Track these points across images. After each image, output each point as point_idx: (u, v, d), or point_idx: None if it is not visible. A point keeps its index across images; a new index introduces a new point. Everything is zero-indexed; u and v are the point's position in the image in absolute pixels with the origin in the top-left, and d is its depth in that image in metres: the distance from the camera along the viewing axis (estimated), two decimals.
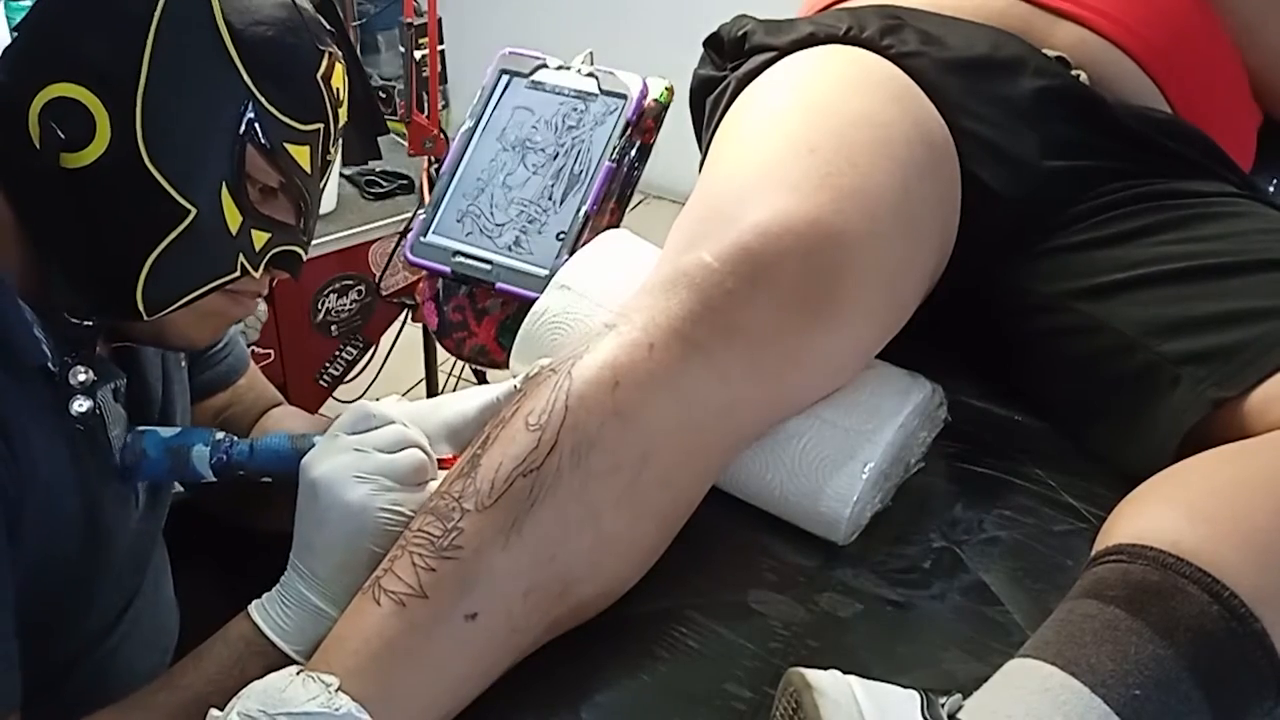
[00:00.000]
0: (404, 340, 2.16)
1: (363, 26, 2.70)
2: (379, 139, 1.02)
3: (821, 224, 0.74)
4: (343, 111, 0.81)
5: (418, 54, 1.82)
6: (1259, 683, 0.63)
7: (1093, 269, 0.88)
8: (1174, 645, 0.61)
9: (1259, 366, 0.76)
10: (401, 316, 2.10)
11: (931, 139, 0.88)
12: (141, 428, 0.81)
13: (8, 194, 0.72)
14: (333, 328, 1.98)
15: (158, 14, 0.70)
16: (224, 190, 0.74)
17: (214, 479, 0.82)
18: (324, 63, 0.78)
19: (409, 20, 1.82)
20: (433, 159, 1.79)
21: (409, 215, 1.88)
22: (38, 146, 0.70)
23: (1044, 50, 0.95)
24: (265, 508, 0.91)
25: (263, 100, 0.74)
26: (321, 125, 0.78)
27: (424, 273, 1.13)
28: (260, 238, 0.78)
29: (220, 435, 0.82)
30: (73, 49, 0.70)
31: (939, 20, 0.97)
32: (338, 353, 2.04)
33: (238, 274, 0.78)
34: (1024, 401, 0.95)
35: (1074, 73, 0.95)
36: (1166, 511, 0.68)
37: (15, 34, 0.72)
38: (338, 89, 0.80)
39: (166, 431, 0.82)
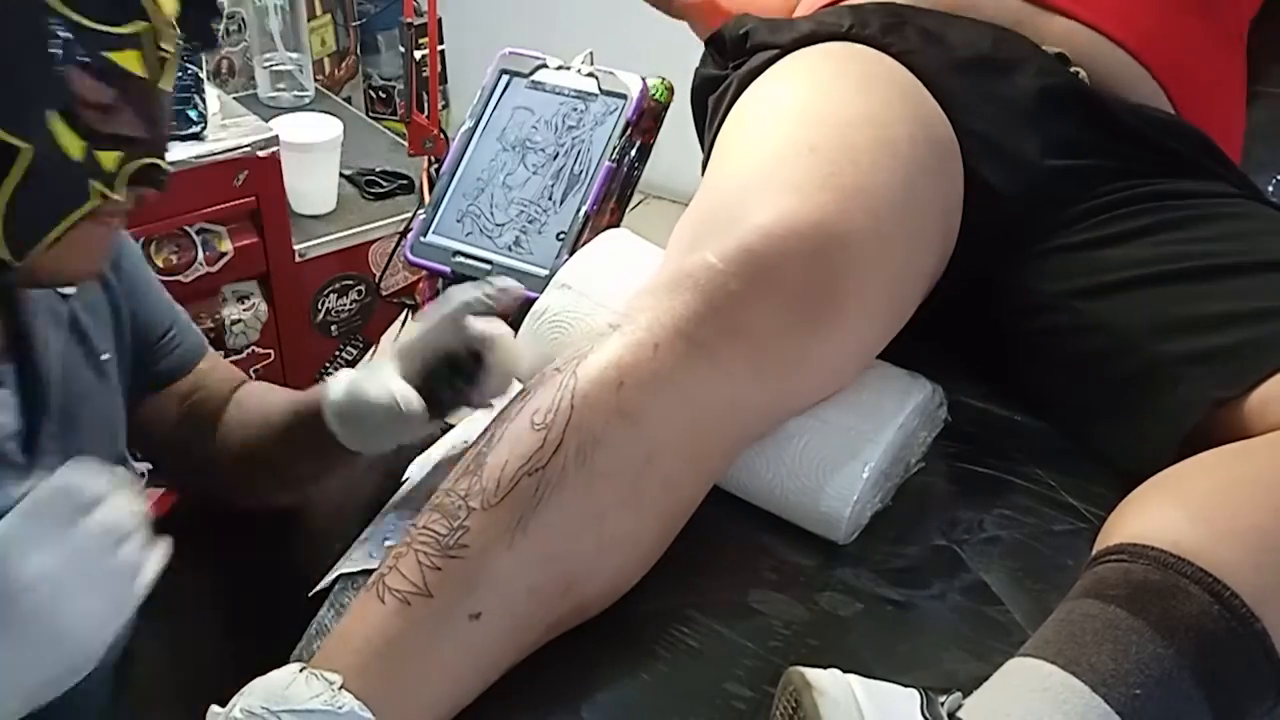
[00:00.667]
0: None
1: (363, 26, 2.69)
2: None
3: (825, 225, 0.74)
4: (165, 2, 0.73)
5: (418, 54, 1.82)
6: (1259, 682, 0.63)
7: (1093, 269, 0.88)
8: (1175, 645, 0.61)
9: (1259, 367, 0.76)
10: (401, 316, 2.10)
11: (935, 137, 0.88)
12: None
13: None
14: (333, 328, 1.98)
15: None
16: (56, 120, 0.69)
17: None
18: None
19: (409, 20, 1.82)
20: (433, 159, 1.79)
21: (409, 215, 1.88)
22: None
23: (1043, 47, 0.95)
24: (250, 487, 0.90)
25: (68, 12, 0.68)
26: (144, 23, 0.71)
27: (424, 273, 1.13)
28: (110, 158, 0.72)
29: None
30: None
31: (940, 18, 0.97)
32: (338, 353, 2.04)
33: (96, 201, 0.72)
34: (1024, 401, 0.95)
35: (1073, 70, 0.95)
36: (1167, 511, 0.69)
37: None
38: None
39: None
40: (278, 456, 0.91)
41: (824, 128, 0.83)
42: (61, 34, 0.67)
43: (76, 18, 0.67)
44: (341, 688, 0.62)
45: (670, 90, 1.09)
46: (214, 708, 0.64)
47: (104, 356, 0.88)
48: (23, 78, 0.67)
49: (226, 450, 0.95)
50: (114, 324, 0.88)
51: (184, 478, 0.96)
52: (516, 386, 0.78)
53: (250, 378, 1.03)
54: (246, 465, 0.92)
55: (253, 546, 0.87)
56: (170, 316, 0.95)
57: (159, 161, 0.76)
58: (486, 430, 0.72)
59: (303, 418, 0.88)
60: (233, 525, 1.00)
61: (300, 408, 0.89)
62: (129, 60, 0.70)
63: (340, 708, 0.61)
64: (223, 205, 1.70)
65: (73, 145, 0.69)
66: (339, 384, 0.84)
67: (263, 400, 0.98)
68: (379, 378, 0.81)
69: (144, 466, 0.99)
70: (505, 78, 1.11)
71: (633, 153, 1.07)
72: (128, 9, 0.70)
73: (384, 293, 1.96)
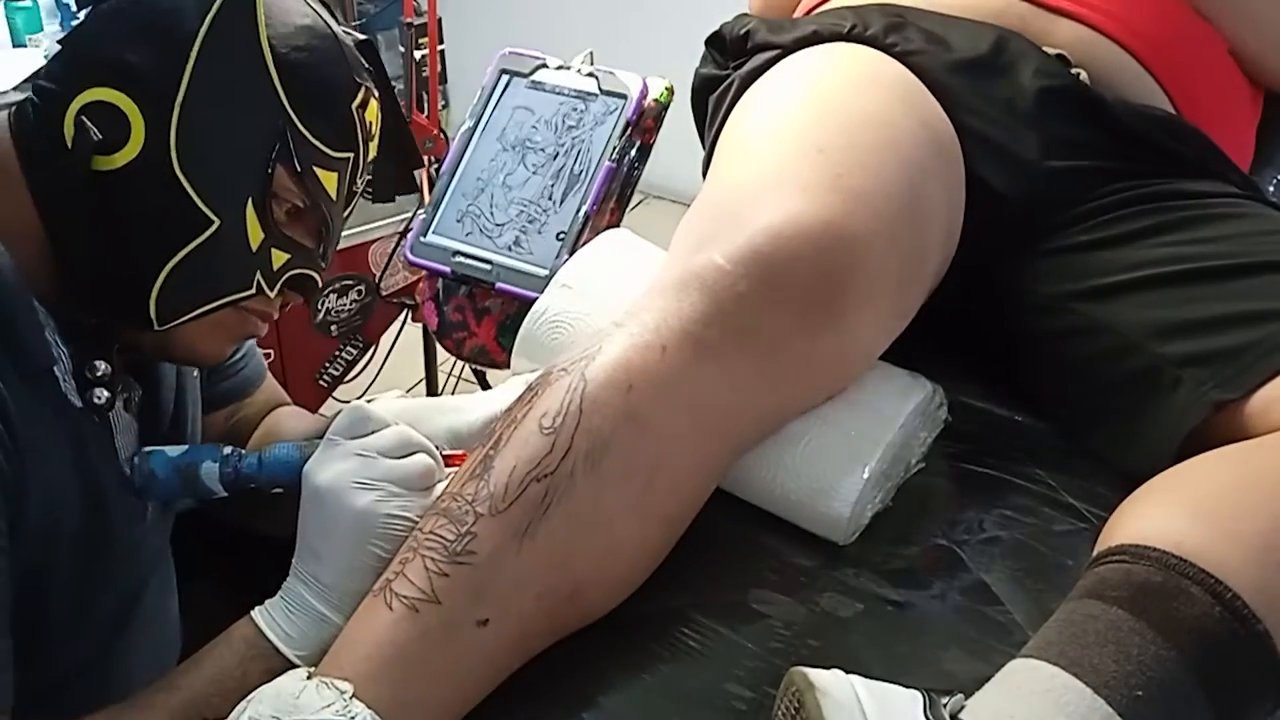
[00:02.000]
0: (404, 340, 2.16)
1: (363, 26, 2.70)
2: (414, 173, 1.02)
3: (833, 226, 0.74)
4: (373, 146, 0.83)
5: (418, 54, 1.82)
6: (1261, 684, 0.63)
7: (1094, 270, 0.88)
8: (1176, 646, 0.61)
9: (1260, 369, 0.76)
10: (401, 316, 2.10)
11: (938, 138, 0.88)
12: (148, 449, 0.80)
13: (34, 194, 0.73)
14: (333, 328, 1.98)
15: (204, 29, 0.72)
16: (249, 206, 0.75)
17: (225, 494, 0.81)
18: (360, 94, 0.79)
19: (409, 20, 1.82)
20: (433, 159, 1.79)
21: (409, 215, 1.88)
22: (69, 147, 0.70)
23: (1044, 48, 0.95)
24: (271, 510, 0.91)
25: (297, 123, 0.75)
26: (351, 155, 0.80)
27: (424, 273, 1.13)
28: (280, 258, 0.78)
29: (228, 450, 0.81)
30: (117, 57, 0.71)
31: (941, 19, 0.97)
32: (338, 353, 2.04)
33: (253, 291, 0.78)
34: (1024, 402, 0.95)
35: (1074, 71, 0.95)
36: (1169, 512, 0.68)
37: (61, 44, 0.74)
38: (370, 123, 0.82)
39: (173, 451, 0.81)
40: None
41: (830, 129, 0.83)
42: (288, 137, 0.75)
43: (304, 131, 0.76)
44: (353, 696, 0.62)
45: (670, 90, 1.09)
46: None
47: (194, 373, 0.92)
48: (240, 162, 0.75)
49: None
50: None
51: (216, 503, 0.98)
52: (517, 386, 0.78)
53: (287, 400, 1.04)
54: (272, 499, 0.93)
55: (261, 559, 0.87)
56: None
57: (315, 275, 0.83)
58: (493, 432, 0.72)
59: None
60: (240, 532, 1.00)
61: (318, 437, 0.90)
62: (329, 180, 0.79)
63: (354, 717, 0.61)
64: None
65: (255, 234, 0.76)
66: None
67: (288, 427, 0.99)
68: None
69: None
70: (505, 78, 1.11)
71: (633, 153, 1.07)
72: (347, 141, 0.79)
73: (384, 293, 1.96)
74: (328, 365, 2.03)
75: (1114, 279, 0.86)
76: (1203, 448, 0.75)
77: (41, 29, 2.73)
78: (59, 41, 0.74)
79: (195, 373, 0.92)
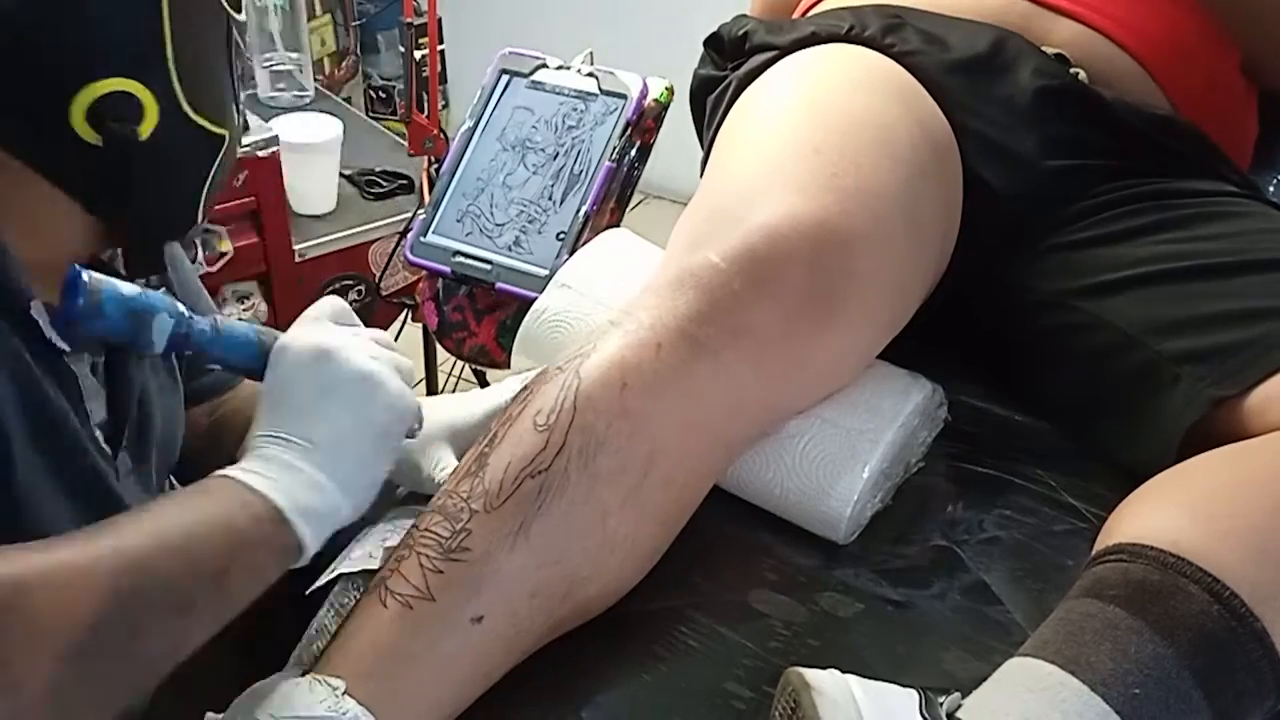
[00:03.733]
0: (404, 340, 2.16)
1: (363, 26, 2.70)
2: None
3: (828, 225, 0.74)
4: None
5: (418, 54, 1.82)
6: (1259, 682, 0.63)
7: (1093, 267, 0.88)
8: (1174, 644, 0.61)
9: (1259, 366, 0.76)
10: (401, 316, 2.10)
11: (935, 139, 0.89)
12: (102, 278, 0.72)
13: (66, 189, 0.72)
14: None
15: None
16: (234, 107, 0.79)
17: (161, 352, 0.75)
18: None
19: (409, 20, 1.82)
20: (433, 159, 1.79)
21: (409, 215, 1.88)
22: (101, 146, 0.70)
23: (1043, 48, 0.95)
24: None
25: (230, 11, 0.77)
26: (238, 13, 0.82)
27: (424, 273, 1.13)
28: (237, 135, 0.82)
29: (184, 310, 0.75)
30: (100, 46, 0.70)
31: (939, 19, 0.97)
32: None
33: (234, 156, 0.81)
34: (1024, 401, 0.95)
35: (1073, 71, 0.95)
36: (1167, 511, 0.69)
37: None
38: None
39: (128, 289, 0.73)
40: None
41: (827, 129, 0.83)
42: (233, 32, 0.77)
43: (230, 10, 0.77)
44: (345, 693, 0.62)
45: (670, 90, 1.09)
46: (210, 715, 0.63)
47: (174, 366, 0.90)
48: (224, 76, 0.77)
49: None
50: None
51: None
52: (516, 384, 0.78)
53: None
54: None
55: None
56: None
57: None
58: (489, 430, 0.72)
59: None
60: None
61: None
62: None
63: (345, 714, 0.61)
64: (223, 205, 1.69)
65: (236, 121, 0.79)
66: None
67: None
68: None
69: None
70: (505, 78, 1.11)
71: (633, 153, 1.07)
72: None
73: (384, 293, 1.96)
74: None
75: (1113, 276, 0.86)
76: (1202, 444, 0.75)
77: None
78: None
79: (174, 366, 0.90)
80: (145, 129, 0.72)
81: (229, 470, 0.65)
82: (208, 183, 0.78)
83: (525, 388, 0.74)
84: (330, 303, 0.76)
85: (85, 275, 0.70)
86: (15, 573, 0.51)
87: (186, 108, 0.74)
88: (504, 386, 0.81)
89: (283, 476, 0.64)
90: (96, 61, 0.71)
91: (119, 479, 0.82)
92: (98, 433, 0.79)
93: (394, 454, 0.71)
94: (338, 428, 0.67)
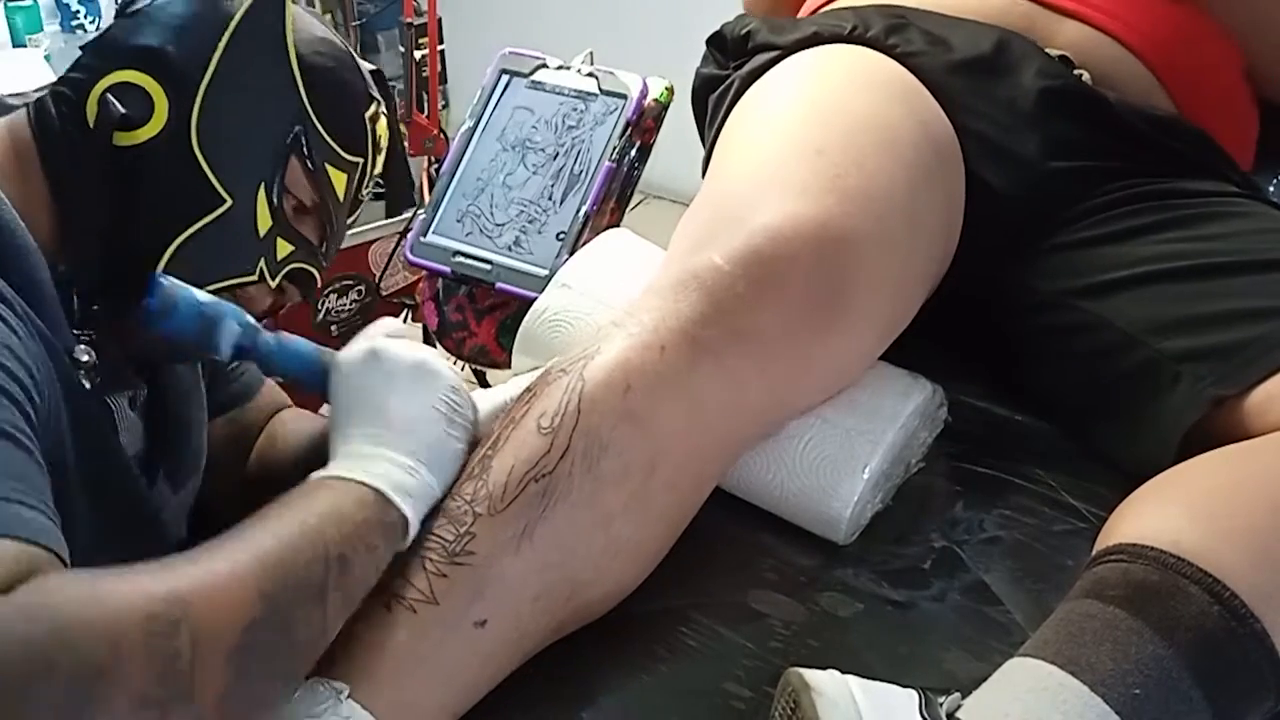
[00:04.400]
0: None
1: (363, 26, 2.70)
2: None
3: (831, 227, 0.74)
4: (380, 160, 0.86)
5: (418, 54, 1.82)
6: (1259, 683, 0.63)
7: (1094, 267, 0.88)
8: (1174, 645, 0.61)
9: (1260, 366, 0.76)
10: (401, 316, 2.10)
11: (937, 140, 0.89)
12: (178, 282, 0.75)
13: (48, 174, 0.74)
14: (333, 328, 1.98)
15: (236, 20, 0.76)
16: (261, 191, 0.78)
17: (226, 359, 0.78)
18: (373, 107, 0.84)
19: (409, 20, 1.82)
20: (433, 159, 1.80)
21: (409, 215, 1.88)
22: (91, 125, 0.73)
23: (1047, 49, 0.95)
24: None
25: (314, 119, 0.79)
26: (361, 160, 0.84)
27: (424, 273, 1.13)
28: (284, 248, 0.81)
29: (252, 320, 0.78)
30: (145, 45, 0.75)
31: (943, 20, 0.97)
32: None
33: (255, 277, 0.80)
34: (1024, 402, 0.95)
35: (1076, 72, 0.95)
36: (1167, 511, 0.69)
37: (85, 47, 0.77)
38: (380, 137, 0.85)
39: (202, 296, 0.76)
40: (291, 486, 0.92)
41: (829, 130, 0.83)
42: (303, 131, 0.79)
43: (320, 129, 0.80)
44: (348, 696, 0.62)
45: (670, 90, 1.09)
46: None
47: (200, 383, 0.92)
48: (257, 148, 0.78)
49: (252, 476, 0.95)
50: None
51: (217, 500, 0.97)
52: (520, 385, 0.78)
53: (289, 402, 1.05)
54: (265, 493, 0.92)
55: None
56: None
57: (315, 271, 0.86)
58: (492, 432, 0.72)
59: (320, 451, 0.88)
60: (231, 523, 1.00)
61: (321, 441, 0.89)
62: (339, 180, 0.82)
63: (348, 717, 0.61)
64: None
65: (264, 220, 0.79)
66: None
67: (292, 429, 0.99)
68: None
69: None
70: (505, 78, 1.12)
71: (633, 153, 1.07)
72: (358, 145, 0.83)
73: (384, 293, 1.96)
74: None
75: (1114, 275, 0.86)
76: (1203, 444, 0.75)
77: (41, 29, 2.73)
78: (80, 48, 0.77)
79: (201, 382, 0.92)
80: (143, 134, 0.73)
81: (321, 472, 0.68)
82: (184, 235, 0.75)
83: (528, 389, 0.73)
84: (386, 323, 0.79)
85: (163, 278, 0.74)
86: (176, 587, 0.53)
87: (194, 140, 0.74)
88: (508, 387, 0.81)
89: (374, 464, 0.67)
90: (138, 55, 0.74)
91: (163, 509, 0.83)
92: (132, 464, 0.80)
93: (466, 430, 0.72)
94: (408, 414, 0.70)
